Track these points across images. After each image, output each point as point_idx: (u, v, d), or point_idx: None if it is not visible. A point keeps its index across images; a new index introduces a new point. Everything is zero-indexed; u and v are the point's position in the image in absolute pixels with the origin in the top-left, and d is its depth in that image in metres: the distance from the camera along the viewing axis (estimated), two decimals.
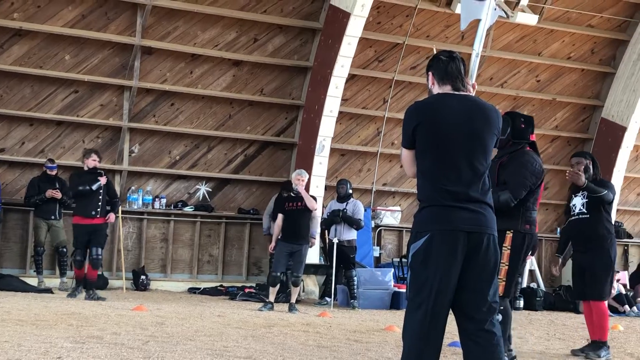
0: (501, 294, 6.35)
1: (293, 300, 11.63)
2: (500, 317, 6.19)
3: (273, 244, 11.72)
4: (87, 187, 11.39)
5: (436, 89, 4.43)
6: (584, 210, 8.06)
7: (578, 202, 8.10)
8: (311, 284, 14.29)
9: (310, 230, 11.79)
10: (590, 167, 8.21)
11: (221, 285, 14.10)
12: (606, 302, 8.22)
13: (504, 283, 6.47)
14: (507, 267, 6.48)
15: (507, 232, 6.48)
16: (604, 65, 16.99)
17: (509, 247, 6.49)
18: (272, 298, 11.52)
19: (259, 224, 14.69)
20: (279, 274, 11.59)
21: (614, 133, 16.62)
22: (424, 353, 4.20)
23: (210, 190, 14.90)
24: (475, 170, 4.28)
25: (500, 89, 16.52)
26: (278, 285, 11.62)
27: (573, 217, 8.13)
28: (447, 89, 4.38)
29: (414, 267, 4.28)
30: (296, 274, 11.59)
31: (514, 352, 6.97)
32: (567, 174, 7.81)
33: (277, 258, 11.58)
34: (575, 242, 8.26)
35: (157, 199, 14.46)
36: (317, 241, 12.82)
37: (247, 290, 13.49)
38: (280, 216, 11.69)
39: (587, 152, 9.01)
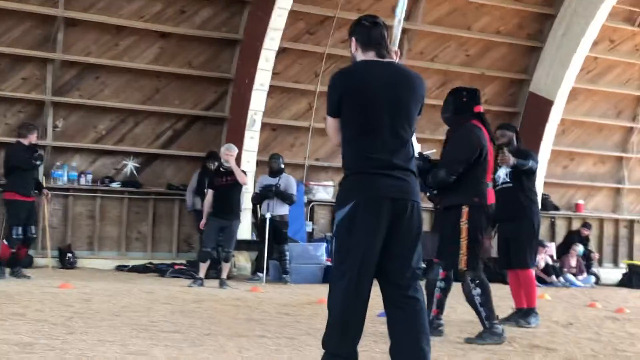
0: (464, 268, 6.58)
1: (224, 276, 11.50)
2: (477, 290, 6.58)
3: (204, 220, 11.56)
4: (39, 162, 11.20)
5: (360, 55, 4.36)
6: (508, 180, 8.10)
7: (502, 172, 8.12)
8: (243, 260, 14.17)
9: (240, 205, 11.70)
10: (514, 139, 8.27)
11: (150, 263, 13.88)
12: (533, 271, 8.31)
13: (465, 257, 6.55)
14: (466, 241, 6.54)
15: (463, 206, 6.55)
16: (531, 40, 17.19)
17: (467, 222, 6.54)
18: (202, 274, 11.39)
19: None
20: (209, 249, 11.45)
21: (542, 107, 16.85)
22: (349, 320, 4.16)
23: (138, 165, 14.61)
24: (400, 137, 4.24)
25: (430, 63, 16.57)
26: (208, 261, 11.49)
27: (497, 188, 8.03)
28: (371, 55, 4.32)
29: (339, 235, 4.23)
30: (227, 249, 11.47)
31: (442, 321, 7.00)
32: (499, 160, 7.74)
33: (207, 233, 11.44)
34: (500, 213, 8.20)
35: (82, 175, 14.10)
36: (248, 215, 12.73)
37: (177, 267, 13.32)
38: (210, 192, 11.53)
39: (511, 124, 8.97)
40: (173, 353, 5.30)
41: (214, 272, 12.49)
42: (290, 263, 12.85)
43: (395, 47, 4.51)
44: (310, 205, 15.86)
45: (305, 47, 15.35)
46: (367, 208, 4.15)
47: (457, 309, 9.57)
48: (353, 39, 4.39)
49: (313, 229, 15.84)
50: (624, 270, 17.27)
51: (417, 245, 4.27)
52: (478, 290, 6.61)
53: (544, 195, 17.51)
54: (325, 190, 15.82)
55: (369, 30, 4.32)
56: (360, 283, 4.15)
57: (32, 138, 11.34)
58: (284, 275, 12.69)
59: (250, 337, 6.18)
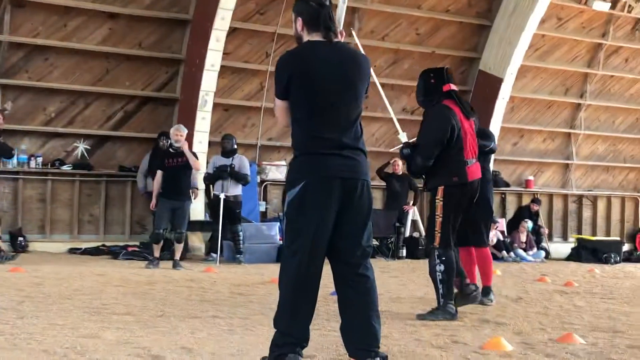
0: (437, 245, 6.66)
1: (177, 257, 11.49)
2: (440, 267, 6.62)
3: (154, 200, 11.51)
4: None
5: (306, 36, 4.37)
6: None
7: None
8: (197, 241, 14.16)
9: (190, 184, 11.69)
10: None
11: (103, 245, 13.77)
12: (488, 249, 8.37)
13: (439, 234, 6.66)
14: (440, 218, 6.67)
15: (438, 187, 6.68)
16: (480, 18, 17.31)
17: (441, 199, 6.66)
18: (157, 254, 11.40)
19: None
20: (161, 230, 11.42)
21: (491, 84, 17.03)
22: (300, 300, 4.21)
23: (89, 148, 14.44)
24: (348, 117, 4.29)
25: (381, 42, 16.62)
26: (162, 242, 11.46)
27: None
28: (318, 36, 4.33)
29: (290, 215, 4.27)
30: (179, 230, 11.46)
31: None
32: None
33: (159, 215, 11.40)
34: None
35: (32, 158, 13.89)
36: (201, 196, 12.69)
37: (130, 249, 13.24)
38: (159, 172, 11.47)
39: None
40: (124, 335, 5.30)
41: (167, 253, 12.48)
42: (244, 243, 12.87)
43: (340, 27, 4.53)
44: (264, 185, 15.87)
45: (255, 27, 15.28)
46: (317, 188, 4.19)
47: (409, 286, 9.71)
48: (299, 19, 4.39)
49: (266, 209, 15.87)
50: (573, 245, 17.63)
51: (368, 223, 4.33)
52: (441, 267, 6.68)
53: (494, 172, 17.68)
54: (278, 170, 15.83)
55: (317, 11, 4.32)
56: (311, 262, 4.19)
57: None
58: (238, 256, 12.71)
59: (203, 318, 6.21)
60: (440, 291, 6.68)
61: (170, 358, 4.60)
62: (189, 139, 13.59)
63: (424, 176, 7.02)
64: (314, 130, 4.25)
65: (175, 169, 11.34)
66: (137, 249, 13.25)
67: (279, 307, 4.26)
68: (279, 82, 4.32)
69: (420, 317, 6.67)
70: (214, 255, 12.71)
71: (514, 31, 16.58)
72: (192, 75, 14.19)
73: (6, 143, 11.64)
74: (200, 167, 11.95)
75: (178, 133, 11.43)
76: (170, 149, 11.52)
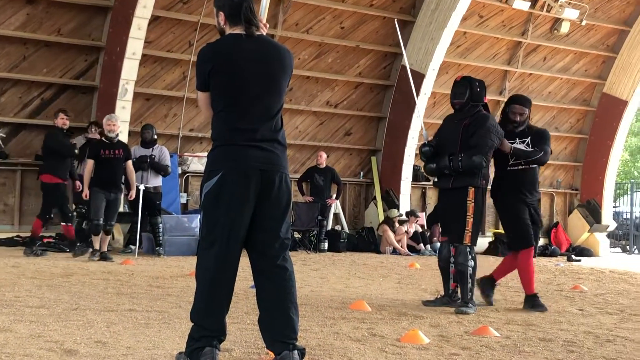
0: (469, 244, 7.14)
1: (104, 248, 11.32)
2: (471, 262, 7.11)
3: (86, 190, 11.26)
4: None
5: (228, 29, 4.34)
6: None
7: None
8: (115, 233, 13.89)
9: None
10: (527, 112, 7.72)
11: (18, 236, 13.41)
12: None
13: (470, 233, 7.14)
14: (472, 218, 7.14)
15: (469, 187, 7.15)
16: (404, 14, 17.47)
17: (473, 201, 7.15)
18: (97, 246, 11.26)
19: None
20: (100, 221, 11.20)
21: (414, 80, 17.12)
22: (216, 292, 4.18)
23: (4, 135, 14.00)
24: (269, 110, 4.27)
25: (305, 34, 16.61)
26: (101, 233, 11.26)
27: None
28: (240, 29, 4.30)
29: (206, 206, 4.23)
30: (110, 222, 11.32)
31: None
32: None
33: (97, 205, 11.20)
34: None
35: None
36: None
37: (45, 240, 12.91)
38: (90, 162, 11.21)
39: (527, 97, 7.96)
40: (37, 329, 5.17)
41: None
42: (164, 235, 12.70)
43: (263, 19, 4.49)
44: (185, 176, 15.72)
45: (178, 15, 15.09)
46: (234, 179, 4.16)
47: (329, 279, 9.75)
48: (221, 12, 4.35)
49: (187, 201, 15.73)
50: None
51: (286, 215, 4.31)
52: (472, 263, 7.16)
53: (415, 167, 17.99)
54: (199, 162, 15.69)
55: (238, 5, 4.29)
56: (228, 254, 4.16)
57: None
58: (157, 248, 12.55)
59: (119, 312, 6.09)
60: (470, 285, 7.14)
61: (84, 352, 4.49)
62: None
63: (437, 178, 7.50)
64: (233, 122, 4.22)
65: (111, 161, 11.14)
66: (52, 240, 12.94)
67: (195, 300, 4.22)
68: (200, 74, 4.28)
69: (459, 311, 6.93)
70: (133, 247, 12.51)
71: (436, 28, 16.78)
72: (113, 64, 13.92)
73: None
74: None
75: (110, 123, 11.21)
76: (105, 139, 11.27)
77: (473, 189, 7.17)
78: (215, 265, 4.16)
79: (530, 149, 7.52)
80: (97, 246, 11.25)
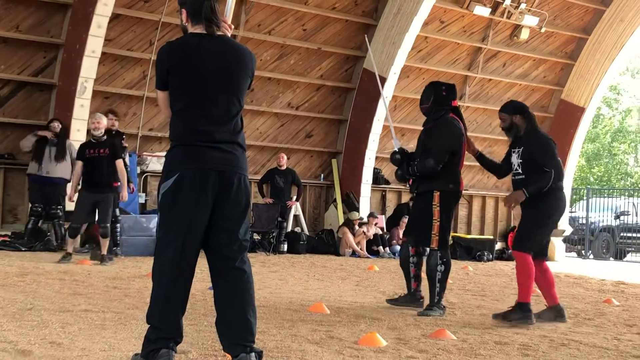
0: (436, 247, 7.18)
1: (104, 251, 10.97)
2: (441, 267, 7.13)
3: (71, 191, 11.08)
4: None
5: (190, 27, 4.32)
6: (519, 170, 7.12)
7: (514, 161, 7.18)
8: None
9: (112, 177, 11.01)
10: (521, 121, 7.26)
11: None
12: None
13: (437, 237, 7.16)
14: (438, 222, 7.17)
15: (434, 191, 7.18)
16: (366, 17, 17.54)
17: (438, 205, 7.17)
18: (70, 249, 10.93)
19: (14, 169, 13.88)
20: (79, 225, 10.94)
21: (375, 83, 17.20)
22: (172, 293, 4.15)
23: None
24: (228, 111, 4.25)
25: (267, 36, 16.58)
26: (78, 237, 11.03)
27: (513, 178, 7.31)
28: (201, 28, 4.28)
29: (163, 207, 4.20)
30: (103, 224, 10.85)
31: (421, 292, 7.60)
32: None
33: (79, 208, 10.89)
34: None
35: None
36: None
37: (1, 239, 12.72)
38: (79, 163, 10.94)
39: (514, 102, 7.79)
40: None
41: (39, 243, 12.14)
42: (122, 235, 12.57)
43: (228, 20, 4.47)
44: (144, 176, 15.59)
45: (139, 14, 14.97)
46: (192, 180, 4.13)
47: (288, 281, 9.74)
48: (183, 10, 4.33)
49: (146, 201, 15.59)
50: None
51: (245, 217, 4.29)
52: (442, 268, 7.17)
53: (375, 169, 18.06)
54: (159, 161, 15.56)
55: (199, 3, 4.27)
56: (184, 255, 4.13)
57: None
58: (115, 248, 12.39)
59: (75, 312, 6.02)
60: (437, 289, 7.16)
61: (38, 353, 4.43)
62: (67, 127, 13.24)
63: (409, 182, 7.58)
64: (191, 123, 4.20)
65: (96, 160, 10.81)
66: (7, 239, 12.73)
67: (151, 301, 4.18)
68: (159, 73, 4.25)
69: (423, 313, 7.05)
70: (89, 247, 12.35)
71: (398, 32, 16.87)
72: (72, 61, 13.75)
73: None
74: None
75: (95, 121, 10.98)
76: (92, 139, 11.03)
77: (438, 192, 7.19)
78: (172, 266, 4.13)
79: (533, 179, 6.89)
80: (69, 250, 10.90)
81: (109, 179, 10.91)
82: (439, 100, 7.37)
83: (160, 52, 4.26)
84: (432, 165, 7.14)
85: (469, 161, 19.57)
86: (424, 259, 7.44)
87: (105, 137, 11.03)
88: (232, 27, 4.54)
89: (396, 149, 7.65)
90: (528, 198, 6.88)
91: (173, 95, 4.25)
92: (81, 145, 11.40)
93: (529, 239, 6.89)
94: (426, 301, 7.42)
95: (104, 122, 11.06)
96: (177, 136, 4.24)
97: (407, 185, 7.79)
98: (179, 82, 4.20)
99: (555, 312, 7.02)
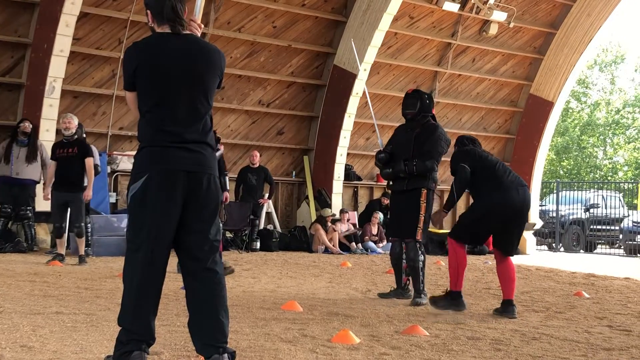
0: (419, 239, 7.86)
1: (81, 252, 11.05)
2: (421, 257, 7.84)
3: (47, 190, 11.00)
4: None
5: (157, 27, 4.30)
6: None
7: None
8: (42, 233, 13.63)
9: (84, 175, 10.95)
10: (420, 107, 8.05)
11: None
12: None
13: (420, 230, 7.85)
14: (423, 216, 7.86)
15: (422, 189, 7.87)
16: (336, 14, 17.56)
17: (425, 201, 7.88)
18: (61, 250, 10.96)
19: None
20: (59, 225, 10.92)
21: (346, 80, 17.31)
22: (144, 295, 4.13)
23: None
24: (196, 111, 4.23)
25: (237, 33, 16.54)
26: (64, 236, 11.02)
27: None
28: (167, 28, 4.26)
29: (132, 209, 4.18)
30: (77, 224, 10.86)
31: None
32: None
33: (53, 209, 10.96)
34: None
35: None
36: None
37: None
38: (52, 163, 10.94)
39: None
40: None
41: (9, 245, 12.03)
42: (92, 235, 12.50)
43: (197, 19, 4.45)
44: (114, 175, 15.49)
45: (107, 12, 14.86)
46: (160, 181, 4.12)
47: (261, 279, 9.73)
48: (148, 11, 4.31)
49: (117, 200, 15.49)
50: None
51: (215, 217, 4.28)
52: (422, 258, 7.88)
53: (347, 165, 18.09)
54: (129, 161, 15.45)
55: (160, 5, 4.25)
56: (155, 257, 4.12)
57: None
58: (86, 248, 12.31)
59: (46, 314, 5.96)
60: (421, 277, 7.82)
61: (9, 357, 4.39)
62: (35, 127, 13.11)
63: (391, 181, 8.15)
64: (159, 123, 4.18)
65: (66, 160, 10.77)
66: None
67: (123, 304, 4.16)
68: (126, 74, 4.24)
69: (415, 303, 7.61)
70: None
71: (367, 28, 16.90)
72: (40, 61, 13.61)
73: None
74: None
75: (66, 121, 10.92)
76: (63, 139, 10.96)
77: (425, 190, 7.89)
78: (142, 268, 4.11)
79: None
80: (60, 251, 10.93)
81: (78, 178, 10.86)
82: (425, 108, 8.05)
83: (126, 53, 4.25)
84: (432, 166, 7.88)
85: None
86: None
87: (76, 136, 10.97)
88: (202, 26, 4.52)
89: (380, 148, 8.29)
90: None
91: (140, 96, 4.23)
92: (53, 145, 11.37)
93: (460, 229, 7.36)
94: (257, 301, 7.49)
95: (74, 122, 11.00)
96: (145, 138, 4.22)
97: (390, 183, 8.27)
98: (145, 82, 4.18)
99: (505, 307, 7.09)
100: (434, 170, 7.93)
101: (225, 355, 4.10)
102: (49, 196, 10.99)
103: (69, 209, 10.93)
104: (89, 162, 10.95)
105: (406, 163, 7.91)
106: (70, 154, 10.82)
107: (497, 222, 7.16)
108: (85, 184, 10.92)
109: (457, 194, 7.35)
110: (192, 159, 4.17)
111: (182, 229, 4.18)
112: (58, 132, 13.76)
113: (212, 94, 4.32)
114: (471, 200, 7.99)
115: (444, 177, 18.60)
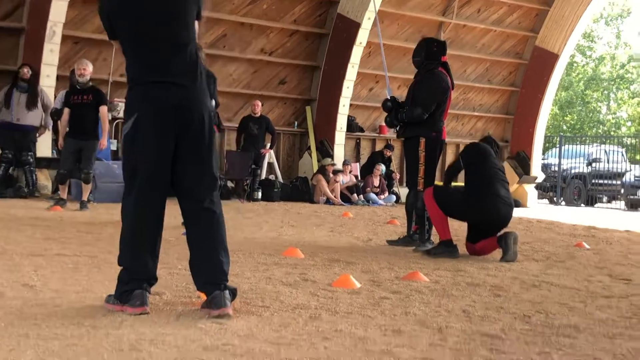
0: (422, 189, 7.84)
1: (85, 197, 11.10)
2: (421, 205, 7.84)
3: (61, 139, 11.01)
4: None
5: None
6: None
7: None
8: (43, 178, 13.62)
9: (97, 125, 10.98)
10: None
11: None
12: None
13: (422, 180, 7.93)
14: (424, 166, 7.93)
15: (420, 138, 7.92)
16: None
17: (424, 150, 7.93)
18: (63, 195, 11.05)
19: None
20: (65, 171, 10.93)
21: (349, 29, 17.14)
22: (141, 234, 4.14)
23: None
24: (178, 44, 4.19)
25: None
26: (67, 182, 11.07)
27: None
28: None
29: (126, 149, 4.17)
30: (86, 170, 10.93)
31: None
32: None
33: (64, 155, 10.94)
34: None
35: None
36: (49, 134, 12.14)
37: None
38: (66, 110, 10.89)
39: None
40: None
41: (11, 190, 12.02)
42: (95, 182, 12.48)
43: None
44: (115, 122, 15.43)
45: None
46: (150, 119, 4.08)
47: (263, 227, 9.75)
48: None
49: (118, 147, 15.45)
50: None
51: (211, 153, 4.22)
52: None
53: (350, 117, 18.00)
54: None
55: None
56: (148, 198, 4.11)
57: None
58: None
59: (48, 256, 5.98)
60: (426, 226, 7.97)
61: (11, 295, 4.39)
62: (35, 72, 13.01)
63: (397, 128, 8.25)
64: (142, 61, 4.15)
65: (80, 107, 10.75)
66: None
67: (121, 243, 4.17)
68: (104, 24, 4.23)
69: (417, 249, 7.73)
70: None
71: None
72: (40, 5, 13.47)
73: None
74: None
75: (80, 67, 10.87)
76: (77, 86, 10.91)
77: (424, 139, 7.92)
78: (135, 209, 4.10)
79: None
80: (62, 196, 11.03)
81: (92, 125, 10.87)
82: (430, 55, 8.07)
83: (99, 3, 4.22)
84: (419, 114, 7.87)
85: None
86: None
87: (90, 84, 10.94)
88: None
89: (388, 97, 8.30)
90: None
91: (121, 38, 4.20)
92: (66, 92, 11.35)
93: (441, 193, 7.49)
94: (257, 247, 7.54)
95: (89, 68, 10.98)
96: (133, 76, 4.19)
97: (395, 131, 8.46)
98: (123, 24, 4.16)
99: (445, 246, 7.39)
100: (421, 119, 7.90)
101: (227, 291, 4.10)
102: (61, 145, 11.02)
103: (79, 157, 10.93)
104: (103, 110, 10.98)
105: (400, 110, 8.05)
106: (85, 101, 10.81)
107: (469, 221, 7.57)
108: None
109: (445, 179, 7.78)
110: (180, 94, 4.12)
111: (177, 168, 4.15)
112: (59, 78, 13.73)
113: (192, 24, 4.25)
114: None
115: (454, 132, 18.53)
